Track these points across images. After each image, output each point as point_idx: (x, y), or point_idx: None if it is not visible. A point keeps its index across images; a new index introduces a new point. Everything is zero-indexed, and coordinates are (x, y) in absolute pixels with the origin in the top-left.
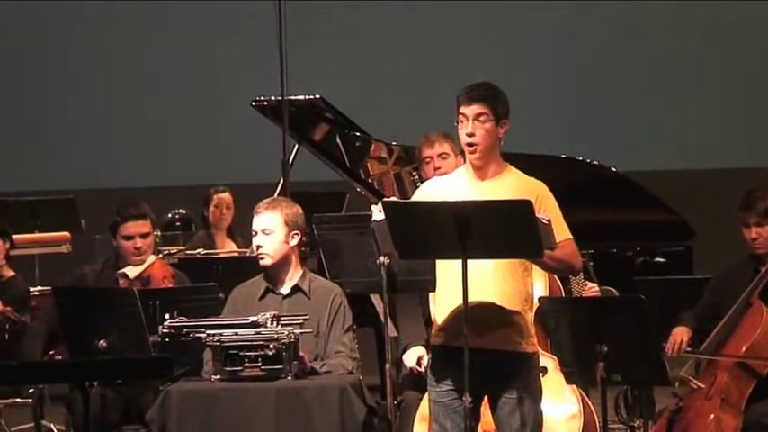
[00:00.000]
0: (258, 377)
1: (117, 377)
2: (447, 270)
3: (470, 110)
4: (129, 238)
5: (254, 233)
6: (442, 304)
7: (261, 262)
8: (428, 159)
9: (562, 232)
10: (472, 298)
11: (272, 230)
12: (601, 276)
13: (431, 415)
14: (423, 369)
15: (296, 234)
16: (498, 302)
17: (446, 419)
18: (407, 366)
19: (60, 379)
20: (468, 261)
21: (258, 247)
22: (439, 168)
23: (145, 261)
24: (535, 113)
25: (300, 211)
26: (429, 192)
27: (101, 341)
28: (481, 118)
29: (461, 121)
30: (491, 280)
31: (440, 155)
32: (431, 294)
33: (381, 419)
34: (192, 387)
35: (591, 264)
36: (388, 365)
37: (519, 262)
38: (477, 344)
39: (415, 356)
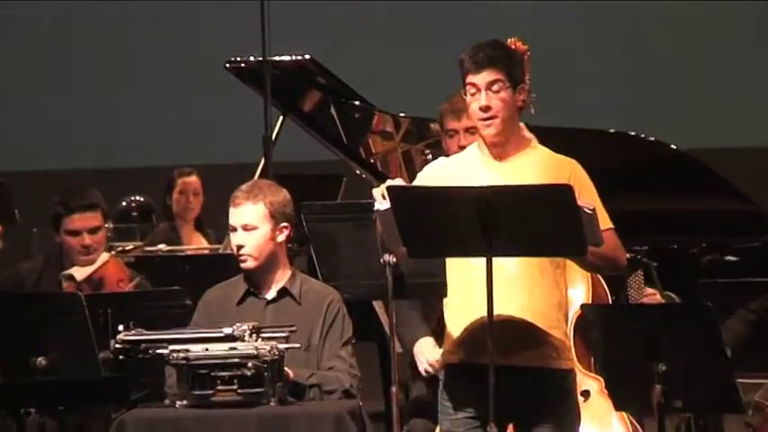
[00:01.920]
0: (234, 403)
1: (59, 403)
2: (461, 271)
3: (480, 78)
4: (76, 233)
5: (231, 229)
6: (456, 313)
7: (243, 265)
8: (452, 132)
9: (603, 221)
10: (495, 304)
11: (255, 225)
12: (658, 278)
13: None
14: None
15: (284, 227)
16: (526, 309)
17: None
18: (424, 364)
19: None
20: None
21: (239, 246)
22: (464, 147)
23: (95, 260)
24: (578, 80)
25: (288, 196)
26: (436, 175)
27: (39, 358)
28: (495, 86)
29: (471, 93)
30: (517, 282)
31: (468, 129)
32: (445, 300)
33: None
34: (152, 415)
35: (654, 265)
36: (393, 388)
37: (550, 259)
38: (501, 361)
39: (428, 348)
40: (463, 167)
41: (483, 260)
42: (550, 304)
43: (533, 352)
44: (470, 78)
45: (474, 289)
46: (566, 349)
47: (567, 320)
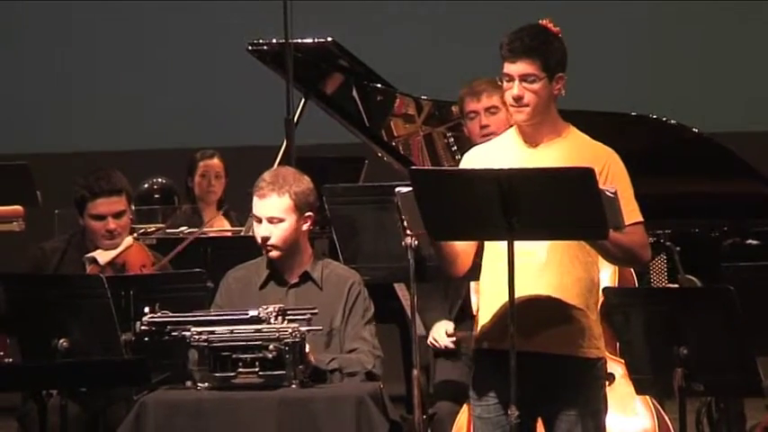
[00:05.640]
0: (255, 385)
1: (81, 385)
2: (494, 255)
3: (514, 69)
4: (100, 218)
5: (256, 219)
6: (488, 297)
7: (270, 255)
8: (473, 114)
9: (631, 214)
10: (523, 290)
11: (282, 218)
12: (680, 262)
13: None
14: (454, 341)
15: (308, 216)
16: (555, 295)
17: None
18: (440, 344)
19: (11, 386)
20: (518, 244)
21: (264, 238)
22: (486, 126)
23: (119, 244)
24: (598, 61)
25: (311, 184)
26: (474, 160)
27: (61, 340)
28: (529, 78)
29: (506, 80)
30: (547, 267)
31: (488, 109)
32: (472, 284)
33: None
34: (174, 397)
35: (677, 249)
36: (415, 371)
37: (581, 244)
38: (528, 347)
39: (443, 330)
40: (497, 152)
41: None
42: (580, 291)
43: (561, 339)
44: (506, 67)
45: (502, 274)
46: (594, 337)
47: (597, 307)
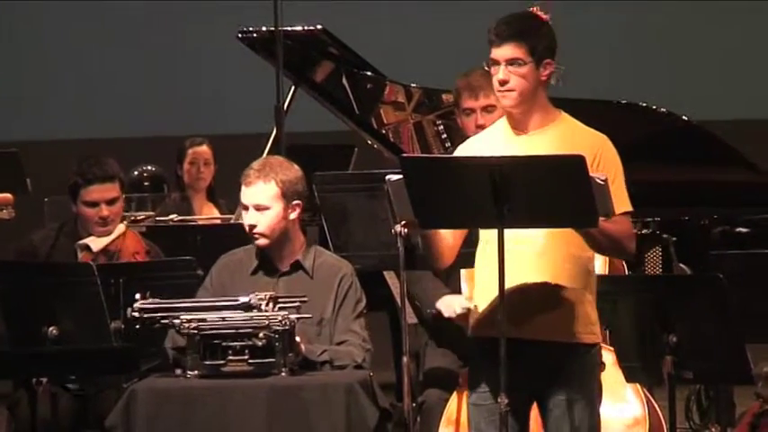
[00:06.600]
0: (245, 373)
1: (70, 372)
2: (489, 243)
3: (500, 53)
4: (94, 204)
5: (243, 207)
6: (482, 286)
7: (257, 242)
8: (469, 111)
9: (620, 203)
10: (520, 277)
11: (267, 205)
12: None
13: (469, 421)
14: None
15: (296, 205)
16: (552, 282)
17: (489, 426)
18: (451, 312)
19: (0, 374)
20: (515, 231)
21: (251, 226)
22: (482, 126)
23: (112, 231)
24: (588, 48)
25: (299, 173)
26: (466, 153)
27: (50, 328)
28: (515, 63)
29: (492, 66)
30: (543, 254)
31: (484, 107)
32: (462, 271)
33: (397, 425)
34: (163, 385)
35: (673, 240)
36: (405, 359)
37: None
38: (525, 334)
39: (455, 300)
40: (488, 141)
41: (508, 234)
42: (577, 277)
43: (558, 326)
44: (492, 52)
45: (497, 260)
46: (590, 322)
47: (593, 292)
